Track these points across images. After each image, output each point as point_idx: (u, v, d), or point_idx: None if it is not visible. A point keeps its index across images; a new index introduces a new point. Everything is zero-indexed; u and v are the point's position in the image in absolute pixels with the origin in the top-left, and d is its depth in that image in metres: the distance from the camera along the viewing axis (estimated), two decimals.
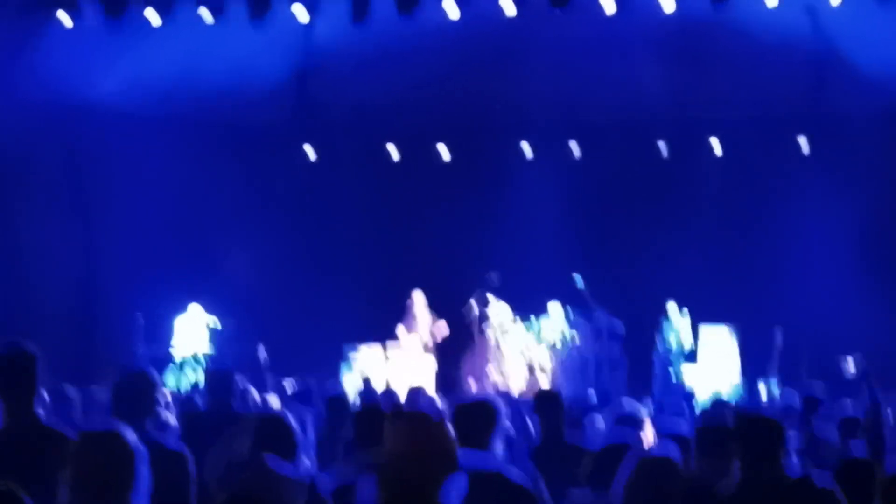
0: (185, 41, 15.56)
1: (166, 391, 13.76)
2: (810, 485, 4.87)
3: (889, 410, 8.56)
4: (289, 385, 12.18)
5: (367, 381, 14.18)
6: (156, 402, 5.42)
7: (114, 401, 5.50)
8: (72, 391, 9.04)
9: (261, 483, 3.64)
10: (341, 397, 7.59)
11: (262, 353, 15.29)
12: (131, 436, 4.05)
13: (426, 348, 16.48)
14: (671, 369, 16.20)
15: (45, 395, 8.09)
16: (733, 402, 11.06)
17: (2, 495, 3.63)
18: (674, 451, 4.88)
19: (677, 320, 16.30)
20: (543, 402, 6.99)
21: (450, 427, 3.34)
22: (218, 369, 8.77)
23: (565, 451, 6.18)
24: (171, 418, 8.07)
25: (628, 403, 7.01)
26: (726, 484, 4.99)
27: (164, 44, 15.53)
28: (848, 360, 14.90)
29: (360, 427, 5.80)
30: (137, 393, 5.31)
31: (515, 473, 4.41)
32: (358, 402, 9.22)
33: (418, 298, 16.58)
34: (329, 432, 7.14)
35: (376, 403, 7.37)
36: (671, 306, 16.23)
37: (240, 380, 9.23)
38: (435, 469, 3.26)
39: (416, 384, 11.90)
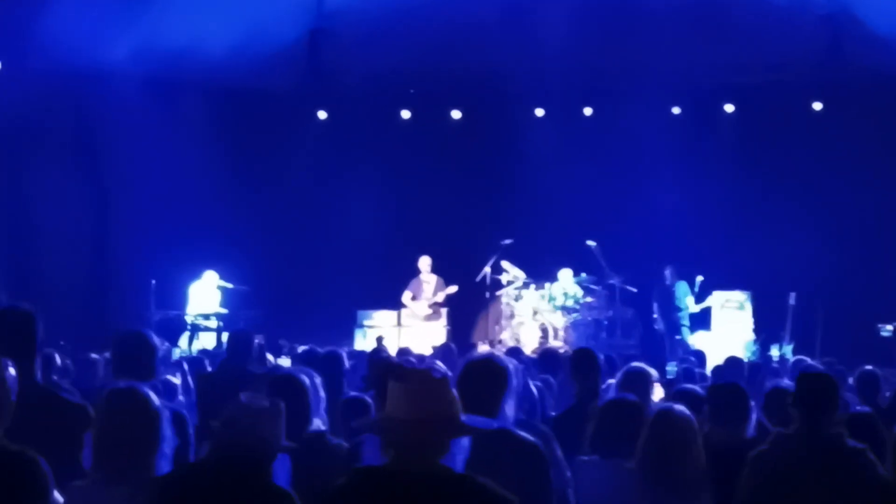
0: (195, 3, 15.52)
1: (179, 353, 13.90)
2: (843, 442, 4.92)
3: None
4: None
5: (379, 339, 14.26)
6: (154, 363, 5.32)
7: (113, 362, 5.52)
8: (95, 355, 9.14)
9: (242, 421, 3.65)
10: (336, 355, 7.57)
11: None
12: (154, 397, 4.07)
13: (435, 313, 16.54)
14: (683, 332, 16.25)
15: (60, 360, 8.21)
16: (745, 363, 11.13)
17: (20, 458, 3.69)
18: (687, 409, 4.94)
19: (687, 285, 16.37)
20: (580, 360, 6.80)
21: (452, 389, 3.34)
22: (237, 331, 8.85)
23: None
24: (175, 380, 8.13)
25: (639, 365, 7.00)
26: (786, 436, 5.03)
27: (175, 6, 15.48)
28: (887, 327, 14.95)
29: (374, 381, 5.79)
30: (133, 354, 5.25)
31: (524, 432, 4.41)
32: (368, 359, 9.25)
33: (425, 263, 16.62)
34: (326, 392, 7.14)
35: (389, 358, 7.37)
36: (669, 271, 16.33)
37: (257, 342, 9.33)
38: (437, 432, 3.26)
39: (426, 348, 11.98)
